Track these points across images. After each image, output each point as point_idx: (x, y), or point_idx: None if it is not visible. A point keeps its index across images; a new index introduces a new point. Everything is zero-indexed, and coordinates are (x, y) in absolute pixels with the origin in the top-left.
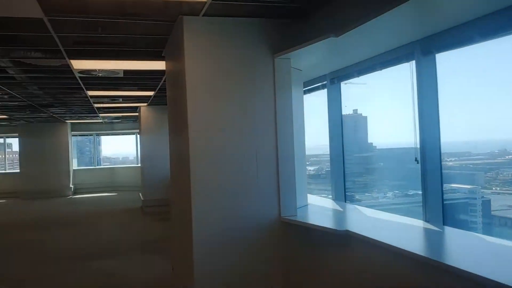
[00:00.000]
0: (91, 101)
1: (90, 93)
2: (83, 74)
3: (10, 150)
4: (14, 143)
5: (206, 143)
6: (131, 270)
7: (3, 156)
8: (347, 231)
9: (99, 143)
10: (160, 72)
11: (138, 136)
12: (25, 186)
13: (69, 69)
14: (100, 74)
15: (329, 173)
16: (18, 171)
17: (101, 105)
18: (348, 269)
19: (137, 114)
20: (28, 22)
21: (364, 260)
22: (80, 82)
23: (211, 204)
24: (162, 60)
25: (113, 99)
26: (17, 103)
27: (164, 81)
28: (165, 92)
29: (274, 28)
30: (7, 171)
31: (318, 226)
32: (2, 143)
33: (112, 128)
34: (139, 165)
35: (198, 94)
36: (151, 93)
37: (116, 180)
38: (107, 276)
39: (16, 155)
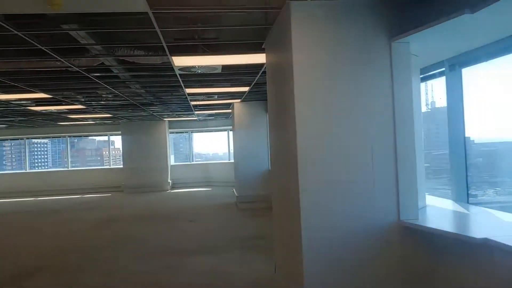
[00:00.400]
0: (188, 99)
1: (188, 90)
2: (183, 71)
3: (113, 147)
4: (117, 140)
5: (315, 138)
6: (231, 267)
7: (108, 153)
8: (486, 239)
9: (189, 140)
10: (257, 66)
11: (230, 132)
12: (127, 180)
13: (170, 66)
14: (199, 71)
15: (442, 170)
16: (121, 166)
17: (197, 102)
18: (490, 287)
19: (230, 110)
20: (132, 17)
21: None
22: (179, 79)
23: (322, 204)
24: (262, 52)
25: (209, 96)
26: (120, 102)
27: (261, 75)
28: (259, 87)
29: (391, 9)
30: (112, 166)
31: (448, 232)
32: (106, 141)
33: (205, 125)
34: (231, 161)
35: (307, 86)
36: (245, 89)
37: (210, 175)
38: (208, 274)
39: (119, 152)
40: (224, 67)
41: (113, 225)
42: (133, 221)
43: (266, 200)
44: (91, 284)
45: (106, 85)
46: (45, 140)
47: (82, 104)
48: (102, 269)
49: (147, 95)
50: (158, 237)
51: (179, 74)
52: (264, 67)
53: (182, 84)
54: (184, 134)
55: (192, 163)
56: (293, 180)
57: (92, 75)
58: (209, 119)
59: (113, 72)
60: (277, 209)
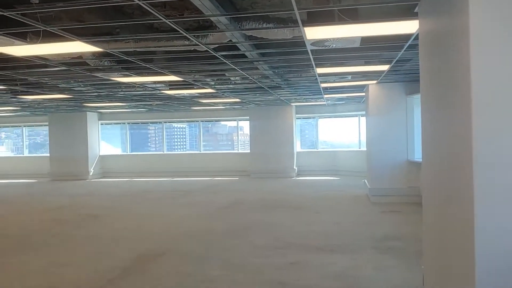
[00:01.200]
0: (319, 80)
1: (319, 70)
2: (316, 46)
3: (242, 132)
4: (246, 125)
5: (501, 126)
6: (365, 272)
7: (237, 138)
8: None
9: (316, 126)
10: (403, 38)
11: (360, 118)
12: (254, 165)
13: (301, 40)
14: (334, 45)
15: None
16: (249, 151)
17: (328, 84)
18: None
19: (363, 94)
20: None
21: None
22: (310, 57)
23: (508, 212)
24: (413, 18)
25: (342, 76)
26: (248, 85)
27: (406, 49)
28: (401, 65)
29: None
30: (239, 151)
31: None
32: (235, 126)
33: (334, 110)
34: (362, 149)
35: (490, 58)
36: (385, 67)
37: (338, 164)
38: (338, 277)
39: (246, 137)
40: (364, 40)
41: (237, 210)
42: (257, 207)
43: (404, 195)
44: (209, 277)
45: (233, 66)
46: (183, 125)
47: (212, 88)
48: (223, 260)
49: (275, 77)
50: (282, 228)
51: (311, 50)
52: (411, 39)
53: (313, 63)
54: (310, 120)
55: (319, 150)
56: (463, 178)
57: (219, 54)
58: (338, 104)
59: (240, 50)
60: (429, 209)
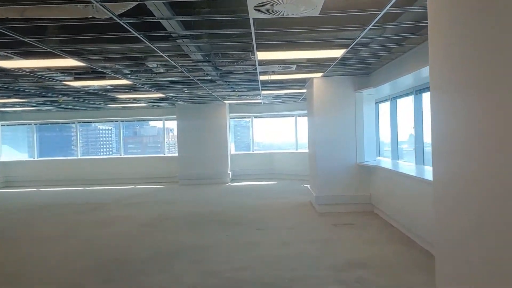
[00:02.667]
0: (258, 71)
1: (261, 55)
2: (261, 11)
3: (172, 134)
4: (175, 126)
5: None
6: None
7: (163, 139)
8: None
9: (251, 126)
10: (377, 3)
11: (298, 118)
12: (183, 170)
13: (240, 8)
14: (285, 12)
15: None
16: (176, 155)
17: (268, 77)
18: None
19: (303, 90)
20: None
21: None
22: (252, 33)
23: None
24: None
25: (285, 66)
26: (174, 77)
27: (374, 26)
28: (356, 52)
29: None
30: (167, 155)
31: None
32: (164, 126)
33: (271, 109)
34: (299, 150)
35: None
36: (339, 53)
37: (275, 167)
38: None
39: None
40: (326, 8)
41: (161, 228)
42: (186, 223)
43: (354, 203)
44: None
45: (148, 42)
46: (109, 126)
47: (128, 79)
48: None
49: (206, 66)
50: (217, 254)
51: (254, 22)
52: (386, 8)
53: (255, 43)
54: (245, 120)
55: (254, 152)
56: None
57: (125, 21)
58: (275, 103)
59: (165, 29)
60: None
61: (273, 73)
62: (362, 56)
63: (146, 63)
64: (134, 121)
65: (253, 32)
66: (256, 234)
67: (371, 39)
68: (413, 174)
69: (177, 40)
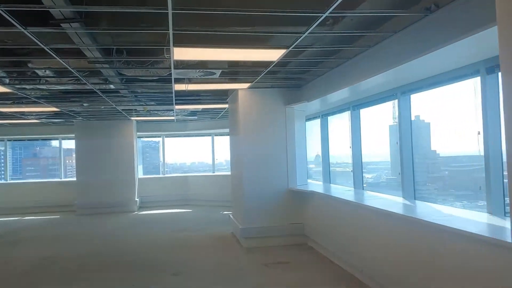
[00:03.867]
0: (173, 78)
1: (178, 53)
2: None
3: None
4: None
5: None
6: None
7: (60, 161)
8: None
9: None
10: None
11: (216, 137)
12: (82, 198)
13: None
14: None
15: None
16: (75, 179)
17: (185, 86)
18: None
19: (223, 106)
20: None
21: None
22: (169, 14)
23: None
24: None
25: (208, 71)
26: (67, 85)
27: (317, 27)
28: (295, 56)
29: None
30: (63, 179)
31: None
32: (57, 147)
33: (184, 127)
34: (216, 173)
35: None
36: (277, 55)
37: (189, 191)
38: None
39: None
40: None
41: (46, 279)
42: (80, 270)
43: (284, 235)
44: None
45: (22, 27)
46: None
47: (6, 87)
48: None
49: (107, 68)
50: None
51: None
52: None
53: (171, 34)
54: (156, 139)
55: (166, 176)
56: None
57: None
58: (190, 120)
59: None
60: None
61: (189, 81)
62: (294, 66)
63: (28, 62)
64: (24, 140)
65: (170, 12)
66: (172, 281)
67: (314, 40)
68: (358, 200)
69: (62, 25)
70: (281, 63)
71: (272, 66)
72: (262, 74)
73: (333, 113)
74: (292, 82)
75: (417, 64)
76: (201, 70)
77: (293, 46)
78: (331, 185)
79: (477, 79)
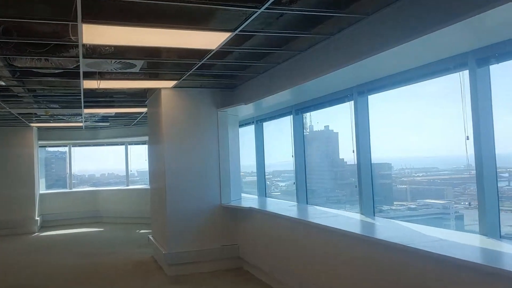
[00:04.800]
0: (81, 71)
1: (88, 32)
2: None
3: None
4: None
5: None
6: None
7: None
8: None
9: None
10: None
11: (131, 146)
12: None
13: None
14: None
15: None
16: None
17: (97, 83)
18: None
19: (142, 110)
20: None
21: None
22: None
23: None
24: None
25: (127, 63)
26: None
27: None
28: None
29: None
30: None
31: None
32: None
33: (94, 136)
34: (131, 187)
35: None
36: (220, 39)
37: (100, 208)
38: None
39: None
40: None
41: None
42: None
43: (217, 259)
44: None
45: None
46: None
47: None
48: None
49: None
50: None
51: None
52: None
53: (79, 8)
54: (62, 148)
55: (72, 190)
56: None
57: None
58: (101, 128)
59: None
60: None
61: (102, 77)
62: (239, 56)
63: None
64: None
65: None
66: None
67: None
68: (302, 217)
69: None
70: (219, 53)
71: (208, 57)
72: (194, 68)
73: (271, 118)
74: (226, 81)
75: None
76: (119, 60)
77: (240, 28)
78: (269, 199)
79: None
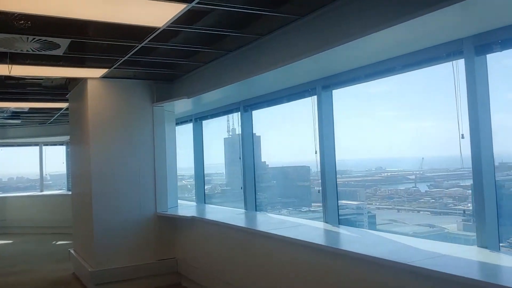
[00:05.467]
0: None
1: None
2: None
3: None
4: None
5: None
6: None
7: None
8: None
9: None
10: None
11: (46, 147)
12: None
13: None
14: None
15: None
16: None
17: (9, 68)
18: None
19: (62, 105)
20: None
21: None
22: None
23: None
24: None
25: (48, 41)
26: None
27: None
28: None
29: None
30: None
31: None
32: None
33: (3, 135)
34: (45, 192)
35: None
36: (171, 13)
37: (8, 217)
38: None
39: None
40: None
41: None
42: None
43: (153, 275)
44: None
45: None
46: None
47: None
48: None
49: None
50: None
51: None
52: None
53: None
54: None
55: None
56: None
57: None
58: (10, 126)
59: None
60: None
61: (13, 61)
62: (186, 38)
63: None
64: None
65: None
66: None
67: None
68: (250, 226)
69: None
70: (165, 34)
71: (151, 37)
72: (131, 53)
73: (213, 115)
74: (165, 71)
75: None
76: (38, 38)
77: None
78: (210, 206)
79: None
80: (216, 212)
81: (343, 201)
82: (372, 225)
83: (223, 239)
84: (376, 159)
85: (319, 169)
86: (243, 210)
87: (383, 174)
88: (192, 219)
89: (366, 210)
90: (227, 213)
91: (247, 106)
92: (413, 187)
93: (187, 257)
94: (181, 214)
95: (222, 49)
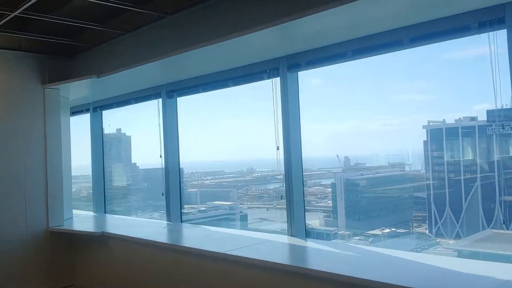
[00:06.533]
0: None
1: None
2: None
3: None
4: None
5: None
6: None
7: None
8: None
9: None
10: None
11: None
12: None
13: None
14: None
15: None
16: None
17: None
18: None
19: None
20: None
21: None
22: None
23: None
24: None
25: None
26: None
27: None
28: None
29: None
30: None
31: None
32: None
33: None
34: None
35: None
36: None
37: None
38: None
39: None
40: None
41: None
42: None
43: None
44: None
45: None
46: None
47: None
48: None
49: None
50: None
51: None
52: None
53: None
54: None
55: None
56: None
57: None
58: None
59: None
60: None
61: None
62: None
63: None
64: None
65: None
66: None
67: None
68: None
69: None
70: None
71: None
72: (17, 12)
73: (120, 104)
74: (65, 41)
75: None
76: None
77: None
78: (117, 216)
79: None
80: (130, 226)
81: (217, 202)
82: (244, 224)
83: (142, 258)
84: (248, 160)
85: (194, 171)
86: (166, 222)
87: (254, 174)
88: (101, 236)
89: (238, 210)
90: (147, 227)
91: (170, 92)
92: (280, 186)
93: (92, 283)
94: (83, 230)
95: (155, 11)
